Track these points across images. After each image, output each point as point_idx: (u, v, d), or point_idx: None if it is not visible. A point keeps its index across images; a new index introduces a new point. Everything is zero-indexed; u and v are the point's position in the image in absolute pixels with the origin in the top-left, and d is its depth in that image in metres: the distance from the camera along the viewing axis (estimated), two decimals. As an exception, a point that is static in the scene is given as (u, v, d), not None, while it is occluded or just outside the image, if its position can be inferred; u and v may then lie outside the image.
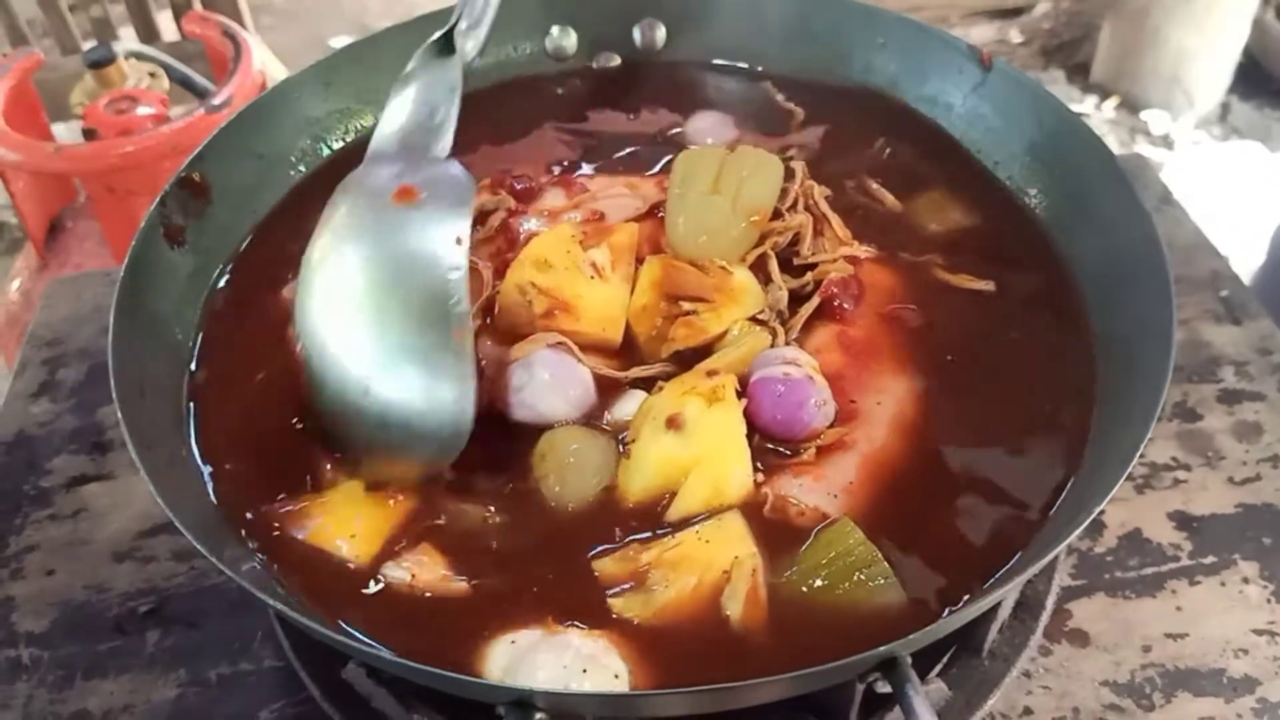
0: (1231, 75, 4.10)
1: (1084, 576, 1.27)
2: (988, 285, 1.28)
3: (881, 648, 0.84)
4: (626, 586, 1.01)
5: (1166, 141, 4.08)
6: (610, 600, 1.00)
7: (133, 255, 1.17)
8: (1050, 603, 1.20)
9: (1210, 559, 1.29)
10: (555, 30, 1.61)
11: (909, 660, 0.85)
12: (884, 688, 0.87)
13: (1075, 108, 4.06)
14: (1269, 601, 1.25)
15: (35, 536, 1.37)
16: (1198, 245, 1.66)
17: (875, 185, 1.40)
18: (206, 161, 1.31)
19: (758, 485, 1.07)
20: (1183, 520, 1.33)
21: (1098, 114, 4.19)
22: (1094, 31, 4.40)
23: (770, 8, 1.58)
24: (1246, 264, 2.94)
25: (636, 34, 1.63)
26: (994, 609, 1.09)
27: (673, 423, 1.05)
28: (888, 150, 1.48)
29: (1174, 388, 1.05)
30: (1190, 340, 1.53)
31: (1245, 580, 1.27)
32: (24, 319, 2.37)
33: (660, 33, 1.62)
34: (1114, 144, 4.01)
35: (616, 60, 1.63)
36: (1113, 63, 4.21)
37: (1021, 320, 1.25)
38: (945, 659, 1.12)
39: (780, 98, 1.57)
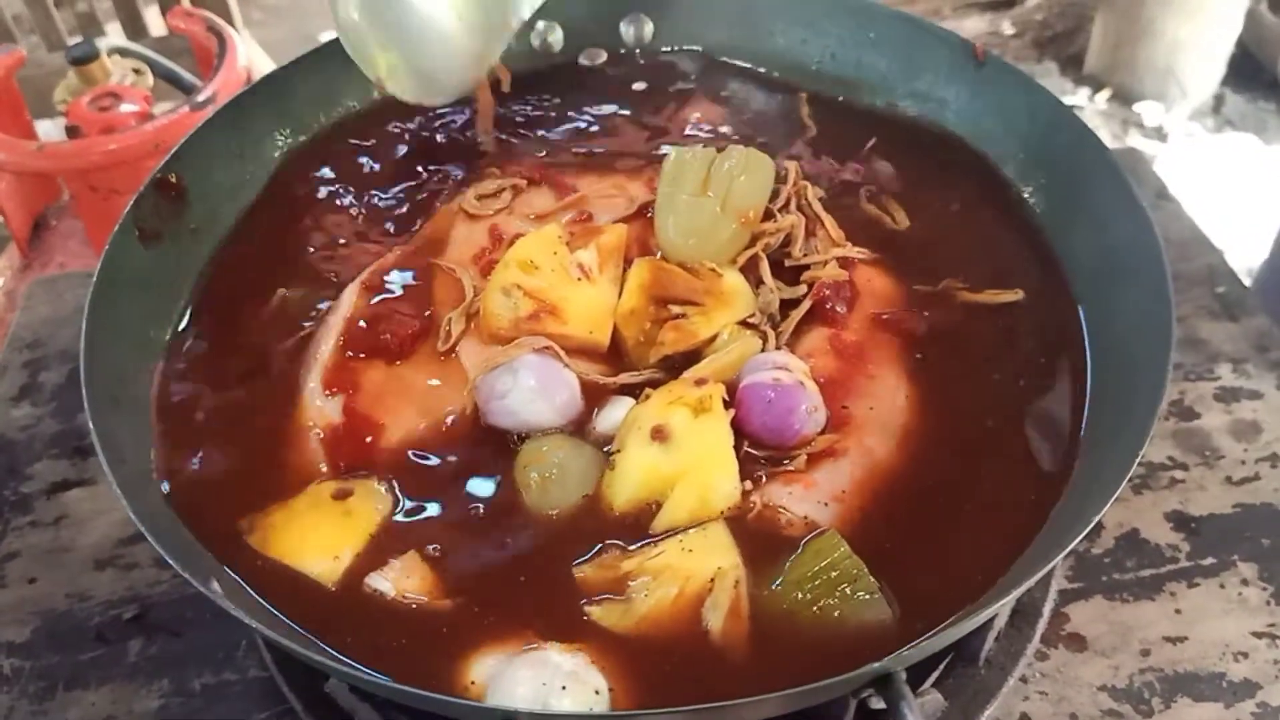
0: (1225, 67, 4.09)
1: (1081, 579, 1.26)
2: (1015, 295, 1.25)
3: (875, 664, 0.82)
4: (606, 596, 0.99)
5: (1160, 134, 4.07)
6: (589, 609, 0.98)
7: (106, 261, 1.15)
8: (1047, 608, 1.18)
9: (1209, 560, 1.27)
10: (541, 25, 1.59)
11: (903, 676, 0.84)
12: (878, 703, 0.85)
13: (1068, 100, 4.05)
14: (1269, 603, 1.23)
15: (16, 543, 1.35)
16: (1194, 240, 1.65)
17: (889, 200, 1.37)
18: (183, 161, 1.29)
19: (746, 494, 1.05)
20: (1180, 521, 1.31)
21: (1091, 106, 4.17)
22: (1087, 23, 4.38)
23: (759, 3, 1.56)
24: (1242, 258, 2.94)
25: (624, 29, 1.61)
26: (990, 618, 1.07)
27: (658, 433, 1.04)
28: (878, 148, 1.46)
29: (1171, 385, 1.03)
30: (1187, 337, 1.52)
31: (1244, 582, 1.25)
32: (7, 320, 2.34)
33: (648, 28, 1.61)
34: (1107, 136, 4.00)
35: (603, 56, 1.62)
36: (1106, 54, 4.20)
37: (1017, 321, 1.23)
38: (941, 668, 1.10)
39: (805, 110, 1.54)
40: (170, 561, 0.90)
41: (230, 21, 2.94)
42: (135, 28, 3.22)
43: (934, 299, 1.25)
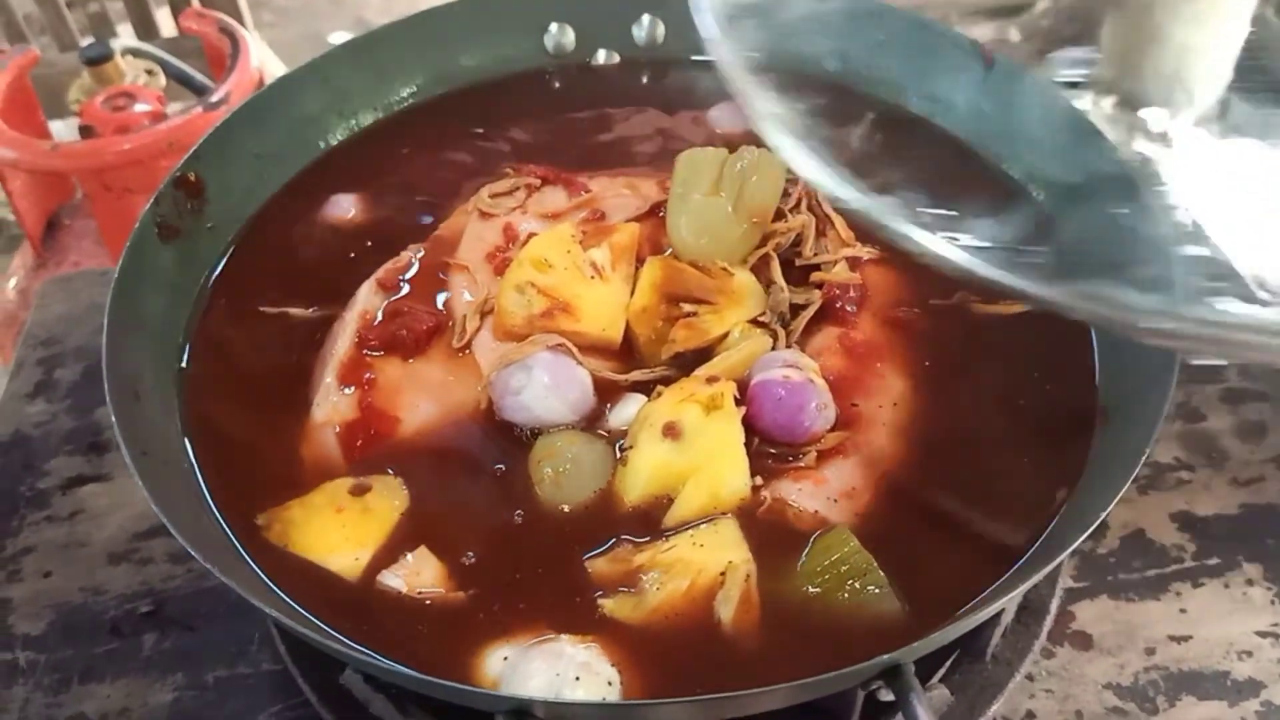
0: (1232, 72, 4.09)
1: (1087, 578, 1.27)
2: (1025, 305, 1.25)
3: (885, 656, 0.83)
4: (619, 588, 1.00)
5: (1164, 139, 4.07)
6: (602, 602, 1.00)
7: (127, 257, 1.16)
8: (1054, 606, 1.19)
9: (1214, 560, 1.28)
10: (554, 27, 1.60)
11: (912, 668, 0.85)
12: (886, 695, 0.86)
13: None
14: (1273, 603, 1.24)
15: (32, 538, 1.36)
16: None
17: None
18: (202, 160, 1.30)
19: (756, 489, 1.06)
20: (1186, 521, 1.32)
21: (1096, 111, 4.17)
22: (1094, 29, 4.39)
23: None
24: (1245, 262, 2.93)
25: (636, 31, 1.62)
26: (997, 614, 1.08)
27: (670, 430, 1.05)
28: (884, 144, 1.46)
29: (1177, 388, 1.04)
30: (1193, 340, 1.52)
31: (1249, 582, 1.26)
32: (21, 317, 2.36)
33: (660, 30, 1.61)
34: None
35: (616, 58, 1.63)
36: (1113, 60, 4.21)
37: (1026, 320, 1.24)
38: (948, 663, 1.11)
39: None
40: (193, 552, 0.91)
41: (240, 23, 2.95)
42: (146, 28, 3.24)
43: (945, 306, 1.26)
